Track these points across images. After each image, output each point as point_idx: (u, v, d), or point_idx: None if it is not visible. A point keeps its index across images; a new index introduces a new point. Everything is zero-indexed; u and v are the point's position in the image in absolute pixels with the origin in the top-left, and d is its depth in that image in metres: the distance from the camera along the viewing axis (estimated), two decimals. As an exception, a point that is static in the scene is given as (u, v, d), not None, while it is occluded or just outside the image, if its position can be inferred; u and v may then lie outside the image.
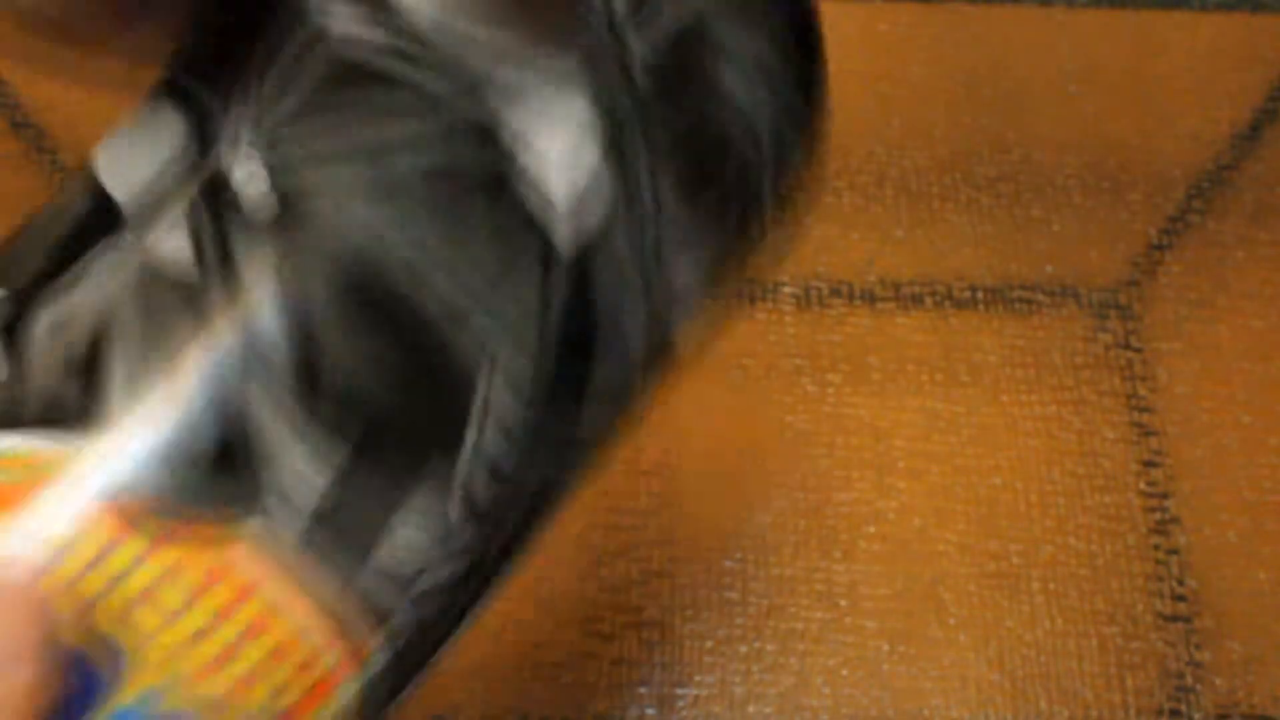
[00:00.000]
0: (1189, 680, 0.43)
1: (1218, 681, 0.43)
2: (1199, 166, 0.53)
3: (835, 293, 0.50)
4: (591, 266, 0.18)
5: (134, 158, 0.18)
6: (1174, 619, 0.44)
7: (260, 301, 0.17)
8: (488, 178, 0.17)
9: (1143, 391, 0.48)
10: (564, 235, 0.17)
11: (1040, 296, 0.50)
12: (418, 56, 0.17)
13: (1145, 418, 0.47)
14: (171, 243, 0.17)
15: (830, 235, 0.51)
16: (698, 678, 0.43)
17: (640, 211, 0.18)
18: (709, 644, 0.43)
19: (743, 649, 0.43)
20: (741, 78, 0.19)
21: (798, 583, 0.44)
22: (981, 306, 0.49)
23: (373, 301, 0.17)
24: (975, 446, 0.47)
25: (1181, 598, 0.44)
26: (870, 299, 0.50)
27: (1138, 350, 0.49)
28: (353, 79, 0.17)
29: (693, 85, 0.19)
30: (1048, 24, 0.57)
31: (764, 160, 0.20)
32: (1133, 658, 0.43)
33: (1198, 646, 0.43)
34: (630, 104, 0.18)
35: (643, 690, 0.42)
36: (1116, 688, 0.43)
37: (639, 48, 0.18)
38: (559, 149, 0.17)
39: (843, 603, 0.44)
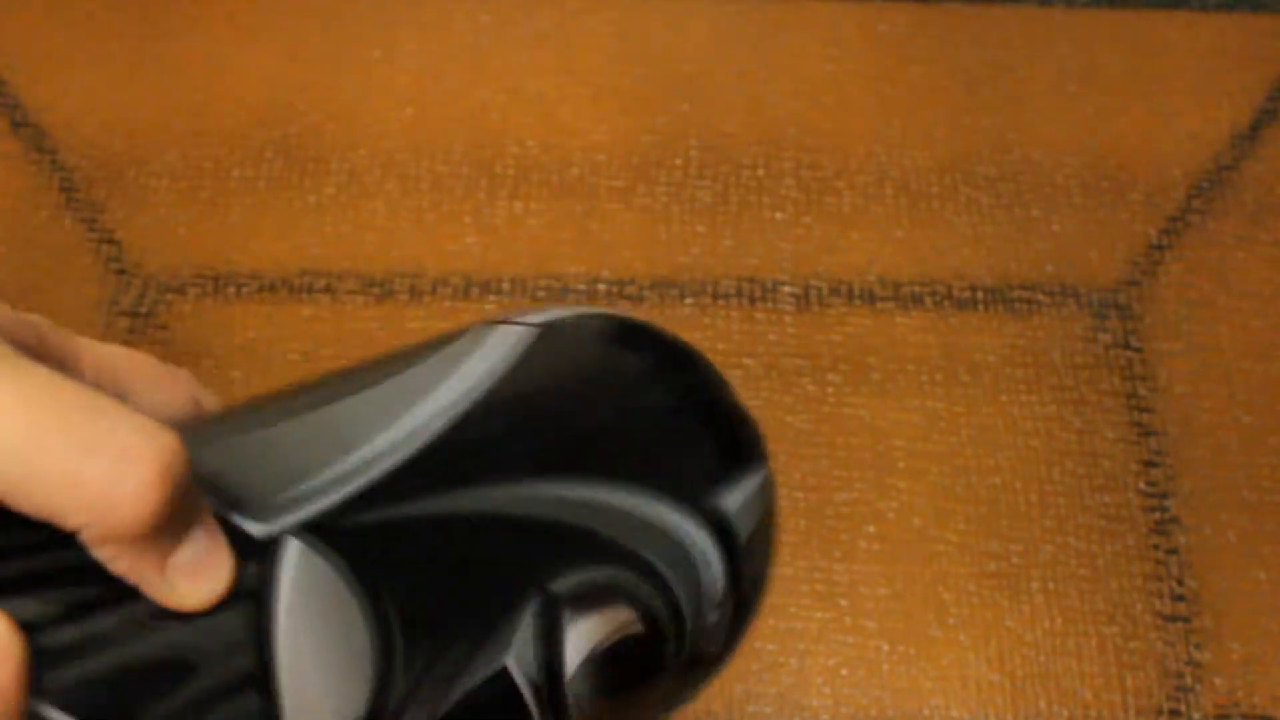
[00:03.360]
0: (1189, 680, 0.43)
1: (1217, 681, 0.43)
2: (1199, 166, 0.53)
3: (835, 293, 0.50)
4: None
5: None
6: (1174, 619, 0.44)
7: None
8: None
9: (1143, 391, 0.48)
10: None
11: (1040, 296, 0.50)
12: (547, 706, 0.21)
13: (1145, 418, 0.47)
14: None
15: (830, 235, 0.51)
16: (698, 678, 0.43)
17: None
18: (709, 644, 0.43)
19: (743, 649, 0.43)
20: None
21: (798, 583, 0.44)
22: (981, 306, 0.49)
23: None
24: (975, 446, 0.47)
25: (1181, 598, 0.44)
26: (870, 299, 0.50)
27: (1138, 350, 0.49)
28: (501, 710, 0.21)
29: None
30: (1048, 24, 0.57)
31: None
32: (1133, 658, 0.43)
33: (1197, 646, 0.43)
34: None
35: (643, 690, 0.42)
36: (1116, 688, 0.43)
37: None
38: None
39: (843, 603, 0.44)
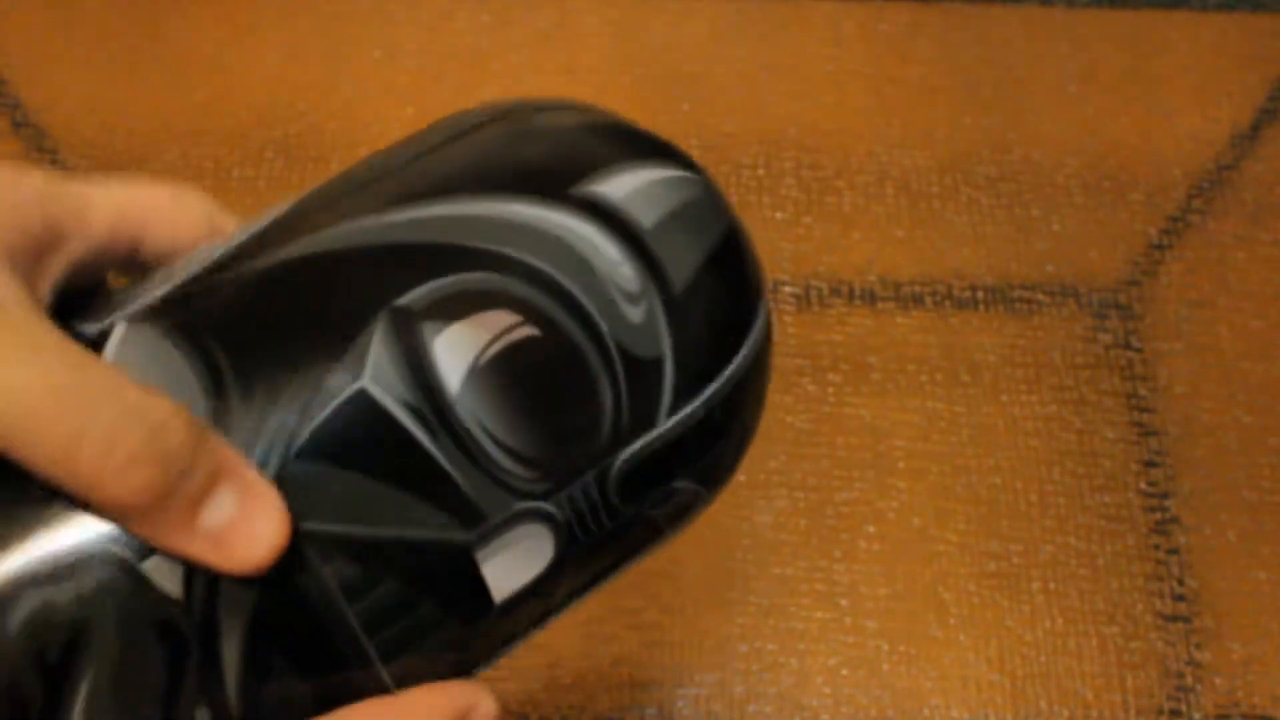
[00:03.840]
0: (1189, 680, 0.43)
1: (1218, 681, 0.43)
2: (1199, 166, 0.53)
3: (835, 293, 0.50)
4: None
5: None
6: (1174, 619, 0.44)
7: (229, 669, 0.19)
8: (449, 569, 0.20)
9: (1143, 391, 0.48)
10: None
11: (1040, 296, 0.50)
12: (438, 429, 0.20)
13: (1145, 418, 0.47)
14: (166, 572, 0.18)
15: (830, 235, 0.51)
16: (698, 677, 0.43)
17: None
18: (709, 644, 0.43)
19: (743, 649, 0.43)
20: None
21: (798, 583, 0.44)
22: (981, 306, 0.49)
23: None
24: (975, 446, 0.47)
25: (1181, 598, 0.44)
26: (870, 299, 0.50)
27: (1138, 350, 0.49)
28: (376, 439, 0.19)
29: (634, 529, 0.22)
30: (1048, 24, 0.57)
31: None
32: (1133, 658, 0.43)
33: (1198, 646, 0.43)
34: (583, 543, 0.21)
35: (643, 690, 0.42)
36: (1116, 688, 0.43)
37: (614, 500, 0.21)
38: (512, 571, 0.21)
39: (843, 603, 0.44)
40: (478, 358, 0.20)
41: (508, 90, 0.54)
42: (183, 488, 0.18)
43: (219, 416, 0.19)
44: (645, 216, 0.21)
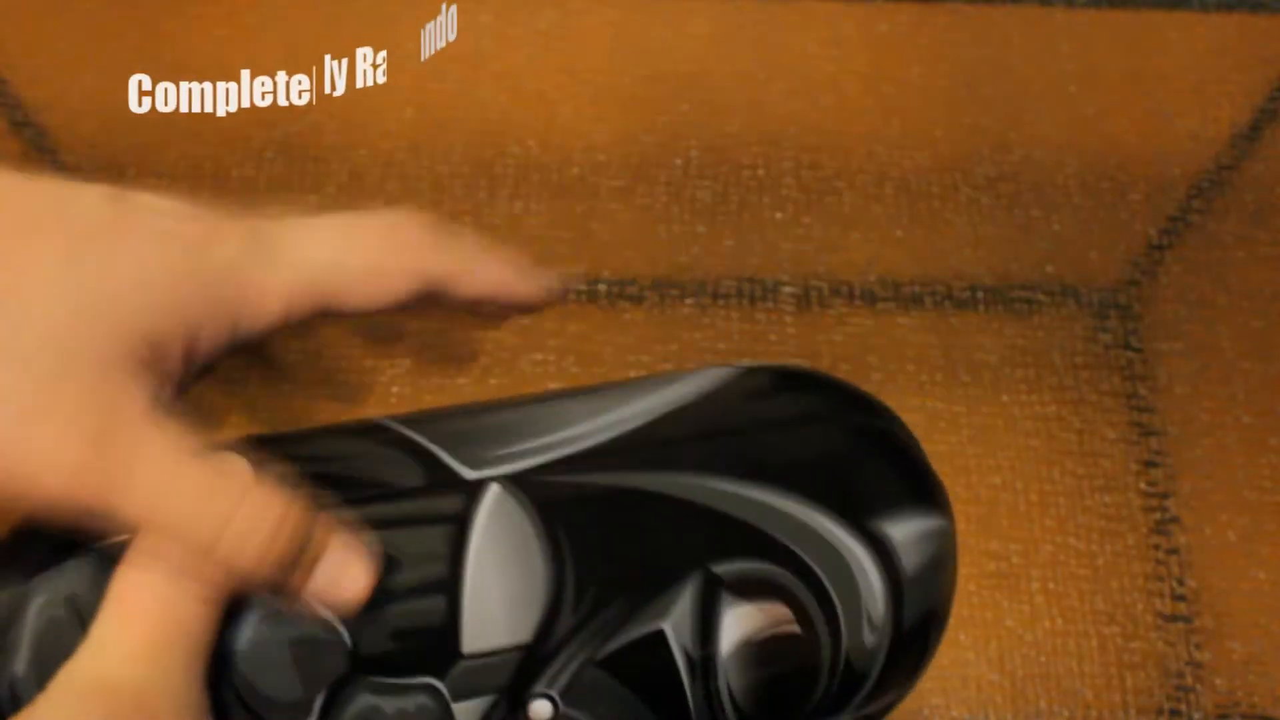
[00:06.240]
0: (1189, 680, 0.43)
1: (1218, 681, 0.43)
2: (1199, 166, 0.53)
3: (835, 293, 0.50)
4: None
5: None
6: (1174, 619, 0.44)
7: None
8: None
9: (1143, 391, 0.48)
10: None
11: (1040, 296, 0.50)
12: (698, 678, 0.24)
13: (1145, 418, 0.47)
14: (470, 712, 0.23)
15: (830, 235, 0.51)
16: (698, 678, 0.43)
17: None
18: (709, 644, 0.43)
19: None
20: None
21: (798, 583, 0.44)
22: (981, 306, 0.49)
23: None
24: (975, 446, 0.47)
25: (1181, 598, 0.44)
26: (870, 299, 0.50)
27: (1138, 350, 0.49)
28: (654, 669, 0.24)
29: None
30: (1048, 24, 0.57)
31: None
32: (1133, 658, 0.43)
33: (1198, 646, 0.43)
34: None
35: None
36: (1116, 688, 0.43)
37: None
38: None
39: (843, 603, 0.44)
40: (752, 636, 0.24)
41: (508, 90, 0.54)
42: (301, 560, 0.21)
43: (551, 609, 0.23)
44: (909, 562, 0.26)
